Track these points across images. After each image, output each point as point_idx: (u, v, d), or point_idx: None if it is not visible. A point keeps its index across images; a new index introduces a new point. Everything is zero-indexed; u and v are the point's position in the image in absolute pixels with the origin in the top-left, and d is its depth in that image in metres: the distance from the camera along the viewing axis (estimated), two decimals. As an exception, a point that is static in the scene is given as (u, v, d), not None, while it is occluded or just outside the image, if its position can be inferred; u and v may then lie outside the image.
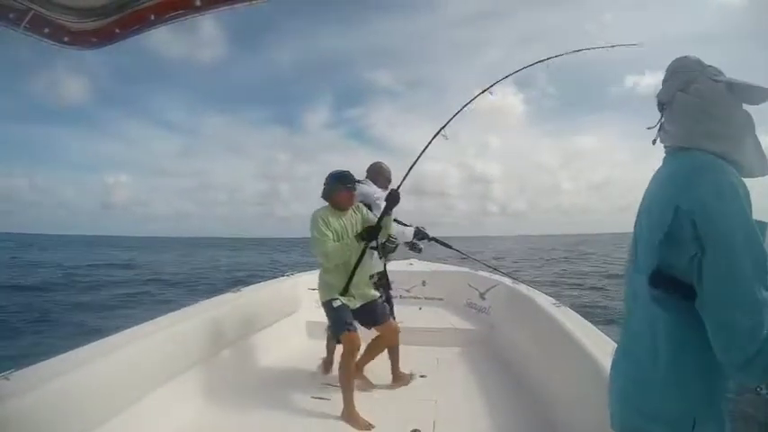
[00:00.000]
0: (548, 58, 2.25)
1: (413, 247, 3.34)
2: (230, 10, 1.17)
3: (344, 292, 2.52)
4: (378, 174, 3.22)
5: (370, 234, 2.48)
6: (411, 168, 2.55)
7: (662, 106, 0.99)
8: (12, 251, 38.16)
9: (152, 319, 2.42)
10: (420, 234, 3.31)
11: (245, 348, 3.01)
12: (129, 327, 2.25)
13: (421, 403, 2.49)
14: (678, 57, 0.99)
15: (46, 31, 1.18)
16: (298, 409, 2.46)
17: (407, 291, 4.53)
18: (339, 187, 2.52)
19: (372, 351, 2.73)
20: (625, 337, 1.04)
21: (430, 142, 2.52)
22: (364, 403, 2.47)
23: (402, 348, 3.49)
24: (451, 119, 2.51)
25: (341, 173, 2.56)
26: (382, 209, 2.84)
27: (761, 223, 0.84)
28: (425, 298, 4.41)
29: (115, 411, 1.83)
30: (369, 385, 2.74)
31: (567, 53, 2.25)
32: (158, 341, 2.17)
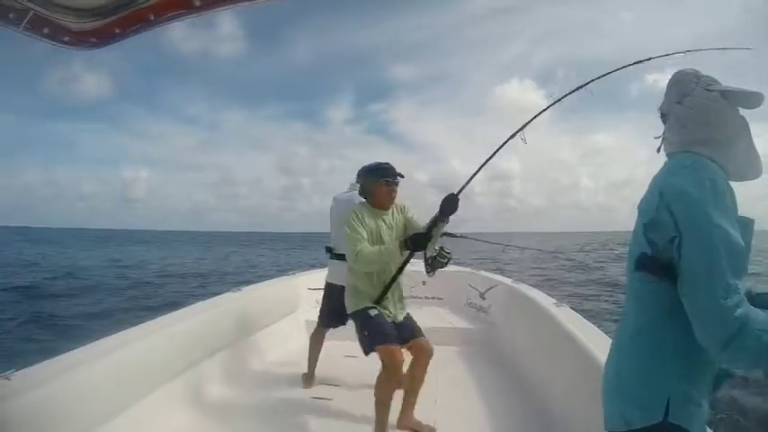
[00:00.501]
0: (625, 67, 1.65)
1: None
2: (230, 10, 1.17)
3: (379, 301, 2.17)
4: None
5: (417, 243, 2.03)
6: (476, 173, 2.09)
7: (664, 117, 1.06)
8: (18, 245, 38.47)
9: (152, 318, 2.43)
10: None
11: (246, 348, 3.01)
12: (129, 327, 2.25)
13: (421, 403, 2.49)
14: (678, 70, 1.05)
15: (46, 31, 1.18)
16: (298, 408, 2.46)
17: (407, 290, 4.53)
18: (376, 181, 2.17)
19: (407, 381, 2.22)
20: (618, 332, 1.07)
21: (502, 145, 2.01)
22: (364, 403, 2.47)
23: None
24: (527, 124, 1.95)
25: (378, 165, 2.21)
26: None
27: (745, 219, 0.89)
28: (425, 297, 4.41)
29: (116, 411, 1.83)
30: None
31: (666, 54, 1.57)
32: (159, 341, 2.18)
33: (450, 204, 1.98)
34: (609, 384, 1.03)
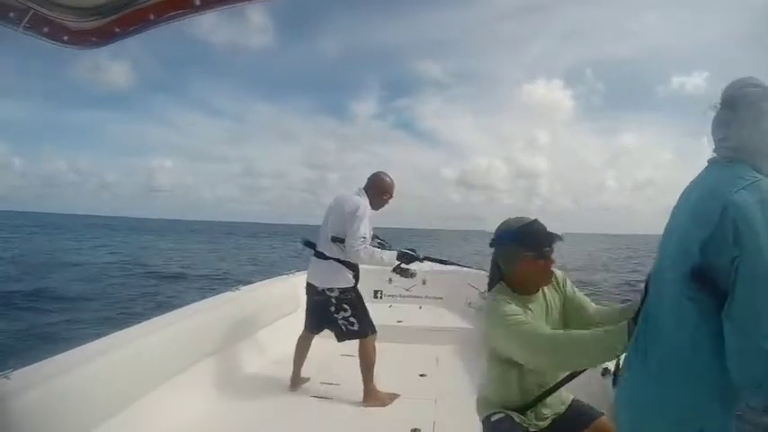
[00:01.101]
0: None
1: (402, 272, 2.75)
2: (230, 9, 1.17)
3: (526, 409, 1.43)
4: (374, 187, 2.74)
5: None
6: None
7: (723, 111, 0.98)
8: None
9: (151, 318, 2.42)
10: (407, 257, 2.69)
11: (245, 347, 3.01)
12: (129, 326, 2.25)
13: (421, 403, 2.49)
14: (743, 78, 0.98)
15: (45, 30, 1.18)
16: (298, 408, 2.46)
17: (407, 290, 4.53)
18: (528, 255, 1.36)
19: None
20: (638, 349, 0.98)
21: None
22: (364, 402, 2.47)
23: (402, 347, 3.48)
24: None
25: (529, 225, 1.39)
26: (354, 225, 2.47)
27: None
28: (425, 297, 4.42)
29: (115, 411, 1.83)
30: None
31: None
32: (158, 340, 2.18)
33: None
34: (631, 409, 0.97)
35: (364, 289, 4.57)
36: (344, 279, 2.64)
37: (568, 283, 1.51)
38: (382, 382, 2.78)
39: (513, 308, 1.30)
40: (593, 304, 1.47)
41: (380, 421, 2.26)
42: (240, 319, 2.97)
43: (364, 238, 2.52)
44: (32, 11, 1.11)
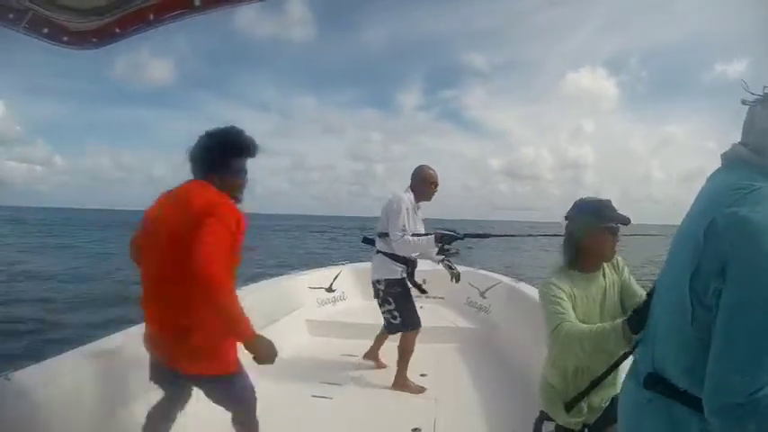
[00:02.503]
0: None
1: (445, 253, 2.89)
2: (230, 9, 1.17)
3: (572, 405, 1.45)
4: (418, 180, 2.83)
5: (637, 326, 1.10)
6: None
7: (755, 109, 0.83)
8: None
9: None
10: (446, 237, 2.76)
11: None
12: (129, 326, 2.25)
13: (421, 402, 2.49)
14: None
15: (45, 30, 1.18)
16: (298, 407, 2.46)
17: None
18: (602, 227, 1.43)
19: None
20: (636, 370, 0.93)
21: None
22: (364, 402, 2.47)
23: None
24: None
25: (605, 202, 1.48)
26: (392, 219, 2.64)
27: None
28: (426, 296, 4.42)
29: (115, 412, 1.83)
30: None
31: None
32: None
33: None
34: (623, 417, 0.94)
35: (364, 288, 4.60)
36: (390, 271, 2.79)
37: (626, 270, 1.56)
38: (382, 382, 2.78)
39: (557, 293, 1.40)
40: (644, 294, 1.51)
41: (381, 420, 2.26)
42: None
43: (403, 229, 2.65)
44: (32, 11, 1.11)
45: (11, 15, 1.09)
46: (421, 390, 2.69)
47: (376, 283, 2.85)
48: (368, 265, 5.19)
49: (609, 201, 1.50)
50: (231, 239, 1.43)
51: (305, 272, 4.36)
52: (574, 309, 1.40)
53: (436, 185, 2.88)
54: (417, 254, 2.81)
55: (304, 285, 3.96)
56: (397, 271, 2.78)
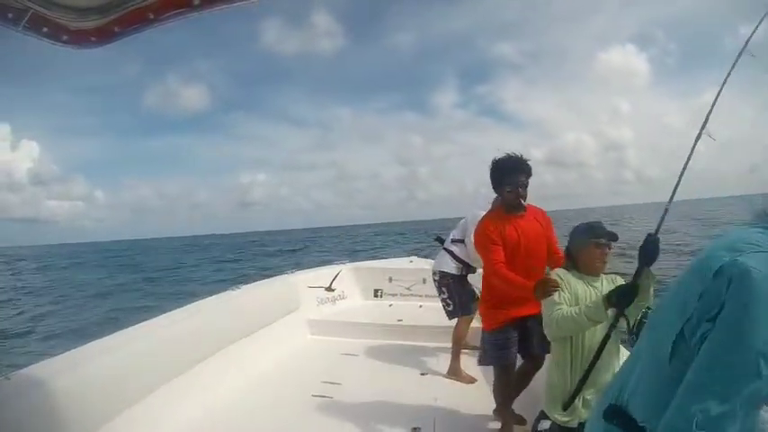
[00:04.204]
0: None
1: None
2: (230, 9, 1.17)
3: (569, 403, 1.63)
4: (496, 204, 2.99)
5: (624, 297, 1.52)
6: (674, 192, 1.66)
7: None
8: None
9: (152, 318, 2.43)
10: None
11: (246, 347, 3.01)
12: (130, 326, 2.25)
13: (421, 401, 2.49)
14: None
15: (45, 30, 1.18)
16: (298, 407, 2.46)
17: (408, 288, 4.54)
18: (585, 243, 1.76)
19: None
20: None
21: (693, 148, 1.68)
22: (364, 402, 2.48)
23: (402, 346, 3.48)
24: (710, 113, 1.66)
25: (589, 224, 1.83)
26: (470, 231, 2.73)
27: None
28: (426, 296, 4.42)
29: (115, 411, 1.83)
30: None
31: None
32: (158, 340, 2.18)
33: (649, 248, 1.55)
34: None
35: (364, 288, 4.60)
36: (447, 265, 3.15)
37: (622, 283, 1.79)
38: (383, 381, 2.78)
39: (565, 291, 1.70)
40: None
41: (381, 420, 2.26)
42: (242, 318, 2.97)
43: None
44: (32, 11, 1.10)
45: (10, 15, 1.08)
46: (472, 380, 2.81)
47: (433, 274, 3.24)
48: (367, 264, 5.19)
49: (599, 221, 1.85)
50: None
51: (305, 271, 4.36)
52: (576, 296, 1.70)
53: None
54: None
55: (304, 285, 3.96)
56: (453, 267, 3.13)
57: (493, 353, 2.20)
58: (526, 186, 2.09)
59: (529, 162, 2.11)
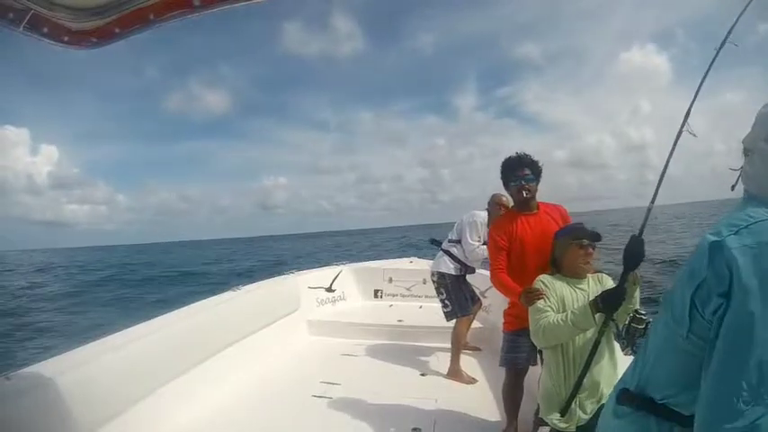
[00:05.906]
0: None
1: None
2: (229, 9, 1.17)
3: (566, 408, 1.60)
4: (492, 204, 3.09)
5: (610, 301, 1.50)
6: (656, 192, 1.58)
7: (746, 152, 0.85)
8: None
9: (151, 318, 2.43)
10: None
11: (246, 347, 3.01)
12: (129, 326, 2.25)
13: (421, 402, 2.49)
14: None
15: (45, 30, 1.18)
16: (298, 407, 2.46)
17: (408, 289, 4.54)
18: (568, 244, 1.76)
19: None
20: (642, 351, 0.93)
21: (674, 147, 1.61)
22: (364, 402, 2.47)
23: (402, 346, 3.48)
24: (689, 110, 1.58)
25: (572, 226, 1.89)
26: (472, 231, 2.96)
27: None
28: (426, 296, 4.42)
29: (115, 411, 1.83)
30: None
31: None
32: (159, 340, 2.18)
33: (634, 250, 1.51)
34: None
35: (364, 288, 4.60)
36: (445, 266, 3.20)
37: (610, 282, 1.79)
38: (383, 382, 2.78)
39: (549, 297, 1.68)
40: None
41: (381, 420, 2.26)
42: (242, 318, 2.97)
43: (478, 240, 3.12)
44: (32, 11, 1.11)
45: (11, 15, 1.09)
46: (472, 380, 2.82)
47: (432, 275, 3.29)
48: (367, 264, 5.19)
49: (581, 223, 1.90)
50: None
51: (304, 271, 4.37)
52: (562, 301, 1.69)
53: (507, 209, 2.98)
54: (480, 262, 3.21)
55: (304, 285, 3.96)
56: (451, 267, 3.18)
57: (505, 354, 2.19)
58: (531, 181, 2.08)
59: (533, 158, 2.11)
